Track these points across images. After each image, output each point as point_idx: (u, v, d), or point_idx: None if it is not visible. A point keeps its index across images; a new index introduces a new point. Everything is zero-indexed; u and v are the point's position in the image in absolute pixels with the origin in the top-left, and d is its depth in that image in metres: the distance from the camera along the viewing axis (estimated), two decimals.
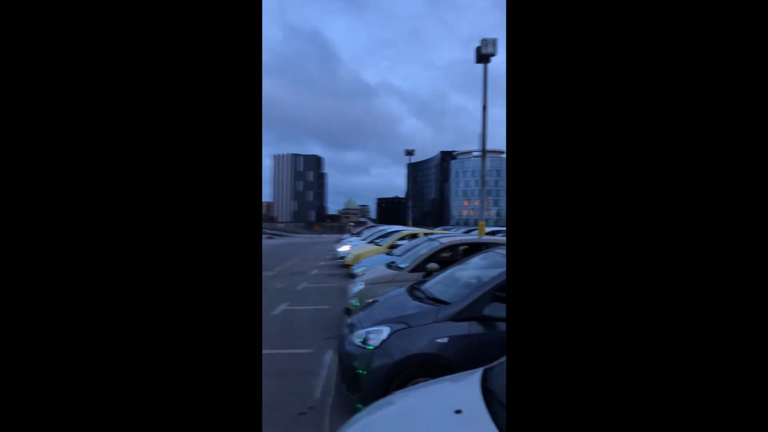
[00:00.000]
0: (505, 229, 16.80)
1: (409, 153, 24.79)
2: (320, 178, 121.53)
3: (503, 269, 2.75)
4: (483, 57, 8.04)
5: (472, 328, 2.43)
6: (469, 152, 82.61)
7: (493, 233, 13.34)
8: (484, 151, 8.98)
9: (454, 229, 18.93)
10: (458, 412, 1.29)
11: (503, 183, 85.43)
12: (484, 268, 3.11)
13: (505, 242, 5.37)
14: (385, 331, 2.47)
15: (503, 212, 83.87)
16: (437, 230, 13.49)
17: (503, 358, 1.67)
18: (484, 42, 7.87)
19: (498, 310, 2.40)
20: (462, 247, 5.72)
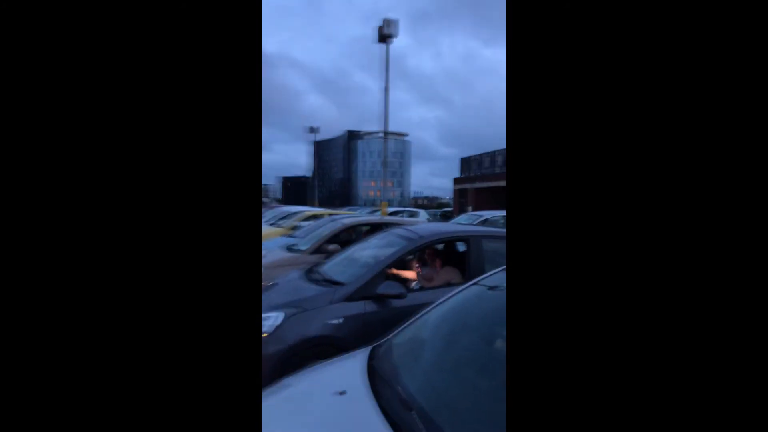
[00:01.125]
0: (405, 209, 17.69)
1: (313, 130, 24.12)
2: None
3: (397, 248, 2.85)
4: (384, 37, 8.07)
5: (367, 306, 2.49)
6: (375, 133, 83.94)
7: (395, 213, 13.88)
8: (386, 133, 9.16)
9: (359, 210, 19.23)
10: (342, 393, 1.30)
11: (406, 165, 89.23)
12: (380, 248, 3.18)
13: (404, 222, 5.61)
14: (278, 316, 2.38)
15: (406, 192, 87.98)
16: (343, 210, 13.51)
17: (390, 335, 1.74)
18: (386, 22, 7.89)
19: (391, 287, 2.49)
20: (364, 228, 5.81)
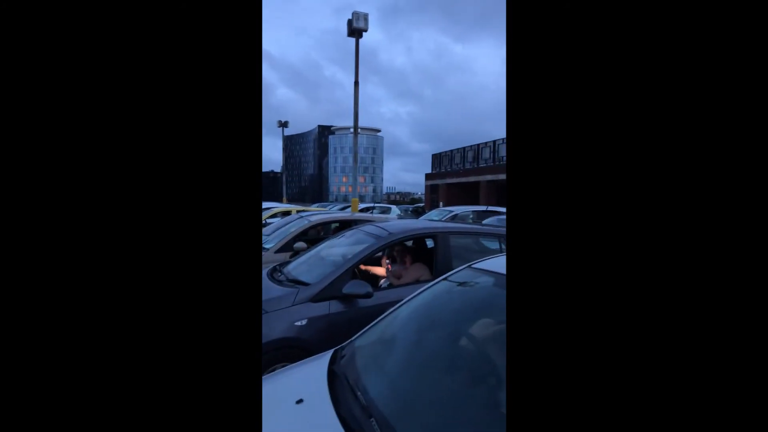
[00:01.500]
0: (377, 205, 17.65)
1: (283, 124, 23.60)
2: None
3: (366, 245, 2.80)
4: (355, 31, 7.94)
5: (332, 307, 2.42)
6: (348, 128, 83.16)
7: (367, 210, 13.79)
8: (356, 128, 9.05)
9: (330, 206, 18.98)
10: (299, 401, 1.23)
11: (379, 161, 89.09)
12: (348, 246, 3.12)
13: (373, 219, 5.55)
14: None
15: (379, 188, 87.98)
16: (313, 207, 13.29)
17: (354, 337, 1.68)
18: (356, 15, 7.76)
19: (357, 286, 2.44)
20: (333, 225, 5.70)
